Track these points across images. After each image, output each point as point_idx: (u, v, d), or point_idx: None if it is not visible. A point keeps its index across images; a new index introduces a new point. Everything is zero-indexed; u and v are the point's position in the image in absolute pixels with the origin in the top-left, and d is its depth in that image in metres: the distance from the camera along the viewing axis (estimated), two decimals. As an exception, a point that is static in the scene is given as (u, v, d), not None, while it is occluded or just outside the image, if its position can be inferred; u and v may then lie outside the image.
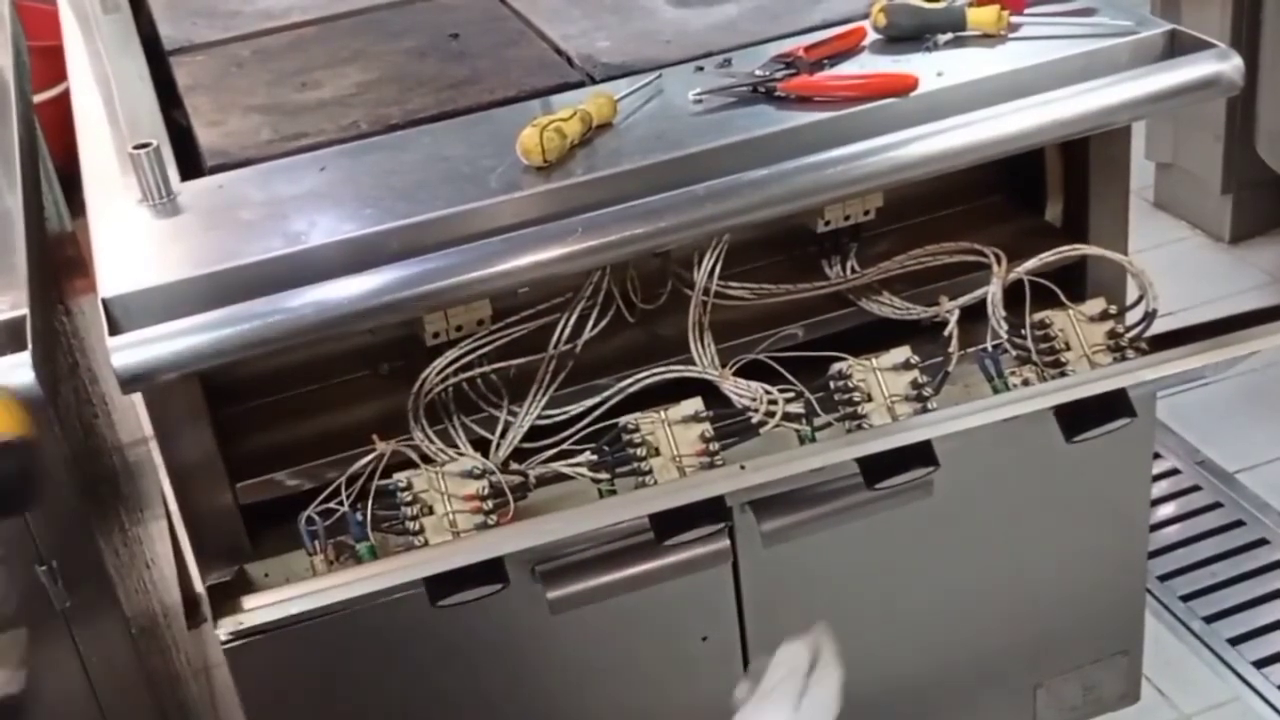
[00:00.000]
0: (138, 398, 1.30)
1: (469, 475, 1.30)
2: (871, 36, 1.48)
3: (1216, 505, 2.43)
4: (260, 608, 1.27)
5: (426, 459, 1.33)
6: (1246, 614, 2.22)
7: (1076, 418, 1.42)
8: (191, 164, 1.41)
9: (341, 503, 1.30)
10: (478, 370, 1.38)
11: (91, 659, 1.35)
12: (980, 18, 1.45)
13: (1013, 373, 1.44)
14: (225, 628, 1.26)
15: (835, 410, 1.39)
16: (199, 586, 1.41)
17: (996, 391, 1.43)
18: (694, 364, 1.43)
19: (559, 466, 1.36)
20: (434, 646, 1.41)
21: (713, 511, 1.33)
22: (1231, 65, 1.39)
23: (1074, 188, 1.58)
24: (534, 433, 1.39)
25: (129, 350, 1.15)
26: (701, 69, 1.46)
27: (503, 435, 1.37)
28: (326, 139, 1.41)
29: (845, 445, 1.37)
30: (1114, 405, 1.41)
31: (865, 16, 1.50)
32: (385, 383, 1.44)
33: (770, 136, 1.33)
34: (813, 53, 1.43)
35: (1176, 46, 1.43)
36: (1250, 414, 2.61)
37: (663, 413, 1.35)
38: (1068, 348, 1.44)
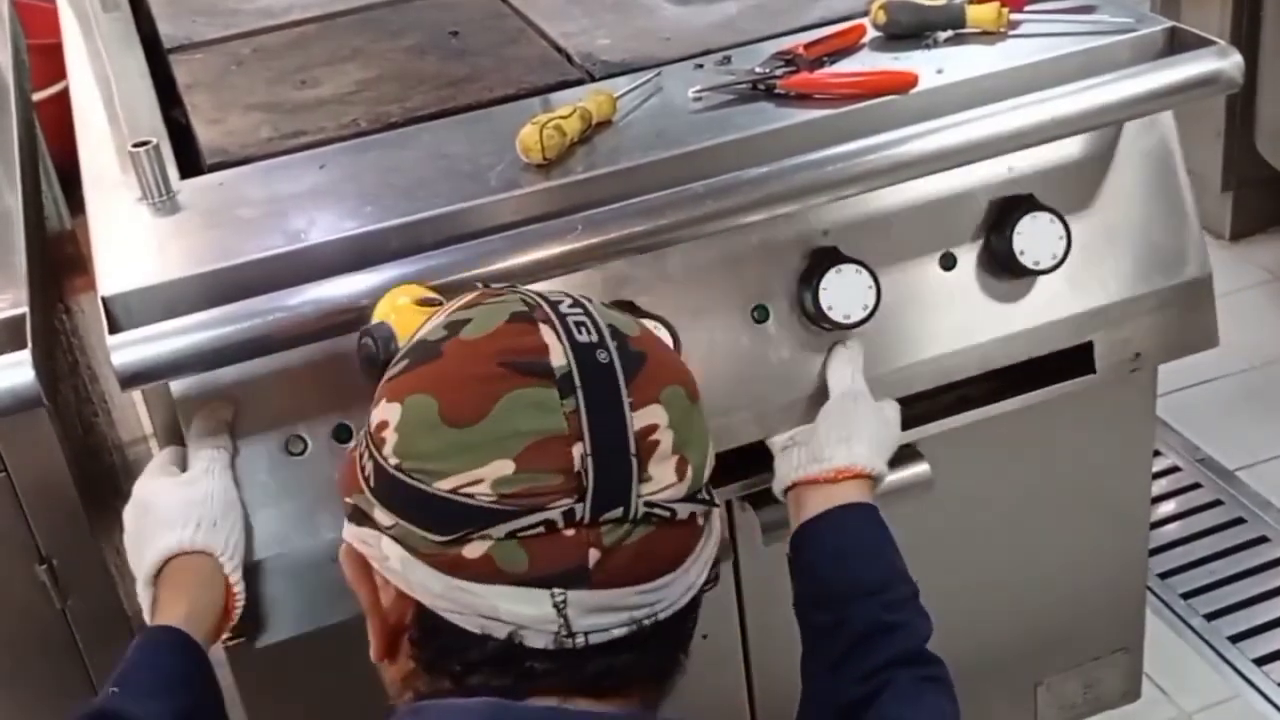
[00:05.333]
0: (138, 396, 1.30)
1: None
2: (871, 34, 1.48)
3: (1217, 503, 2.43)
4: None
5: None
6: (1247, 611, 2.22)
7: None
8: (191, 162, 1.41)
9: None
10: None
11: (92, 658, 1.35)
12: (980, 15, 1.45)
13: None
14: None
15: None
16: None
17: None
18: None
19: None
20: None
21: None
22: (1231, 62, 1.39)
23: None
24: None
25: (129, 349, 1.15)
26: (701, 66, 1.46)
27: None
28: (326, 137, 1.41)
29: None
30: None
31: (865, 14, 1.49)
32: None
33: (770, 134, 1.32)
34: (812, 50, 1.42)
35: (1176, 44, 1.43)
36: (1250, 411, 2.61)
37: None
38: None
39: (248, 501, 1.22)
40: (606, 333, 0.86)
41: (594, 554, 0.81)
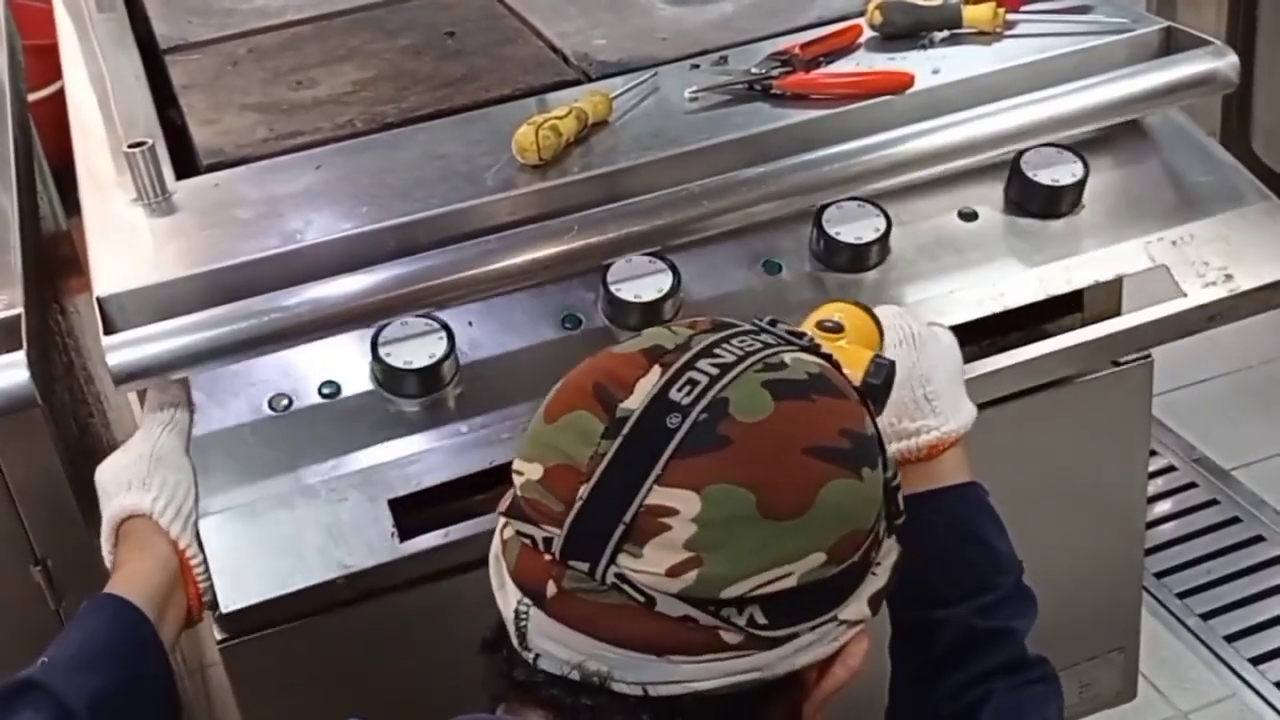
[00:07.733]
0: (133, 397, 1.30)
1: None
2: (867, 34, 1.48)
3: (1213, 502, 2.43)
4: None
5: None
6: (1243, 611, 2.22)
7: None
8: (187, 163, 1.41)
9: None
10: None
11: (87, 658, 1.34)
12: (976, 15, 1.45)
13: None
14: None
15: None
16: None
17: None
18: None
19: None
20: (436, 642, 1.41)
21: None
22: (1227, 62, 1.39)
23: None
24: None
25: (124, 349, 1.15)
26: (697, 66, 1.46)
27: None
28: (322, 137, 1.41)
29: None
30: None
31: (861, 14, 1.50)
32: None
33: (766, 134, 1.33)
34: (809, 50, 1.43)
35: (1172, 44, 1.43)
36: (1246, 410, 2.61)
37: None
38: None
39: (227, 454, 1.19)
40: (707, 402, 0.82)
41: (551, 587, 0.83)
